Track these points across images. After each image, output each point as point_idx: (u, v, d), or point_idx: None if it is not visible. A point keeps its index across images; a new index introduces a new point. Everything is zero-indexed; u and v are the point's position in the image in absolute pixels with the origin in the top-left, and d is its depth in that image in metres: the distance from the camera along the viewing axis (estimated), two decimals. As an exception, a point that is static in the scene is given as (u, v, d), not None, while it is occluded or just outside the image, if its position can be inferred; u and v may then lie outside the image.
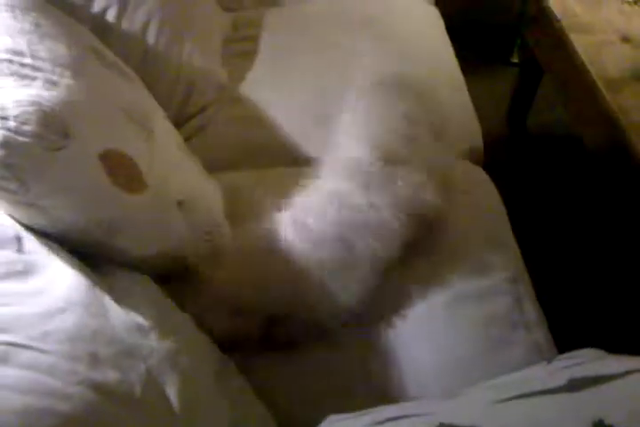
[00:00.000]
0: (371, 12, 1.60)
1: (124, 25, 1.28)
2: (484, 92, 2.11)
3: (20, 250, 0.80)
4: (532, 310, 1.07)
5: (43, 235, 0.85)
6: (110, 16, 1.27)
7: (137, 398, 0.72)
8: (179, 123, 1.35)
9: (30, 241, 0.83)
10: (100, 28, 1.24)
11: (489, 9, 2.23)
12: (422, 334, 1.02)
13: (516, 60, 2.27)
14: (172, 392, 0.77)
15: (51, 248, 0.84)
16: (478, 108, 1.48)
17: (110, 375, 0.71)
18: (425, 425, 0.53)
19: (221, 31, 1.59)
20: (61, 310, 0.74)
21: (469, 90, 1.51)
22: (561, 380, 0.55)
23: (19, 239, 0.82)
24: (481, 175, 1.30)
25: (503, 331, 1.02)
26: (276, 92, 1.43)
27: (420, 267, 1.09)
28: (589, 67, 1.41)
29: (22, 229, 0.84)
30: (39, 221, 0.84)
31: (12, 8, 0.95)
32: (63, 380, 0.66)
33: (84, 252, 0.89)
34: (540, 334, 1.04)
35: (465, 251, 1.13)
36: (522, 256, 1.18)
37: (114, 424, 0.68)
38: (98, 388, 0.69)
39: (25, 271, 0.78)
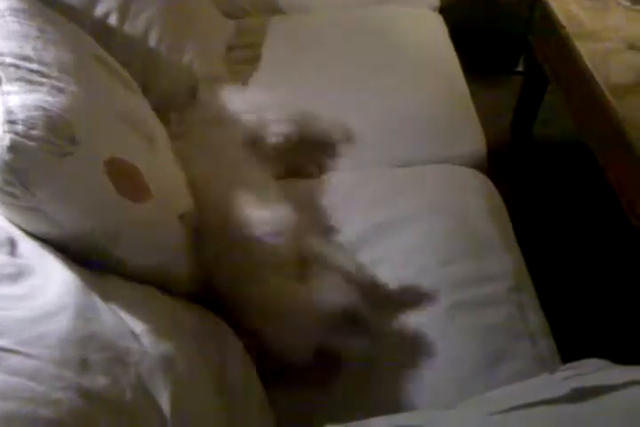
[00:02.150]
0: (373, 20, 1.60)
1: (126, 30, 1.28)
2: (489, 100, 2.10)
3: (12, 253, 0.79)
4: (535, 320, 1.05)
5: (41, 240, 0.84)
6: (112, 21, 1.27)
7: (126, 404, 0.71)
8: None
9: (24, 244, 0.81)
10: (102, 32, 1.25)
11: (495, 16, 2.23)
12: (420, 344, 1.00)
13: (521, 68, 2.26)
14: (163, 398, 0.75)
15: (46, 251, 0.82)
16: (483, 116, 1.47)
17: (99, 381, 0.70)
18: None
19: (224, 37, 1.58)
20: (52, 314, 0.73)
21: (474, 98, 1.50)
22: (562, 390, 0.53)
23: (12, 242, 0.80)
24: (483, 182, 1.29)
25: (505, 342, 1.00)
26: (277, 99, 1.42)
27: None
28: (595, 74, 1.39)
29: (18, 231, 0.83)
30: (40, 226, 0.83)
31: (16, 13, 0.94)
32: (49, 385, 0.65)
33: (81, 260, 0.88)
34: (545, 345, 1.02)
35: (466, 258, 1.11)
36: (526, 265, 1.16)
37: None
38: (86, 393, 0.67)
39: (16, 275, 0.76)
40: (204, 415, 0.83)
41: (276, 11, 1.75)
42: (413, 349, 1.00)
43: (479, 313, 1.04)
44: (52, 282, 0.78)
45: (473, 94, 1.51)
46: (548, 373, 0.70)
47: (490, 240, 1.15)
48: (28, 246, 0.81)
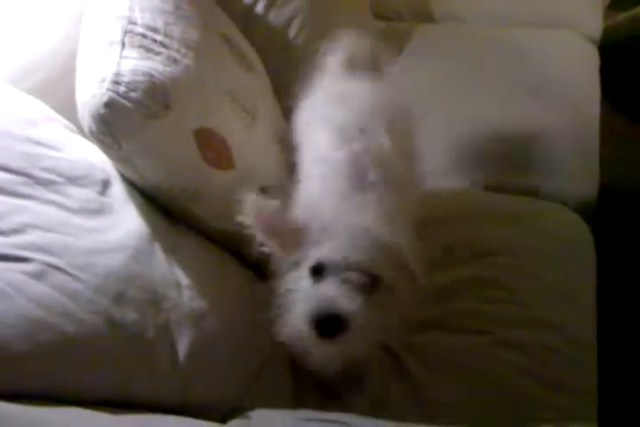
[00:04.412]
0: (520, 42, 1.56)
1: (270, 18, 1.36)
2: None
3: (102, 192, 0.90)
4: (580, 378, 1.01)
5: (136, 187, 0.94)
6: (259, 8, 1.35)
7: (145, 341, 0.80)
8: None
9: (117, 187, 0.92)
10: (247, 17, 1.33)
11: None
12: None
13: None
14: (182, 346, 0.83)
15: (134, 197, 0.93)
16: (620, 164, 1.38)
17: (128, 315, 0.79)
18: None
19: (367, 37, 1.62)
20: (111, 250, 0.84)
21: (618, 145, 1.42)
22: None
23: (106, 183, 0.92)
24: (578, 226, 1.22)
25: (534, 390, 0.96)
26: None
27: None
28: None
29: (117, 175, 0.93)
30: (130, 175, 0.94)
31: None
32: (80, 306, 0.75)
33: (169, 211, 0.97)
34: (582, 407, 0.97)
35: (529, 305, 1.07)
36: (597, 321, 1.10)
37: (112, 355, 0.77)
38: (111, 322, 0.77)
39: (97, 211, 0.88)
40: (222, 376, 0.89)
41: (430, 18, 1.76)
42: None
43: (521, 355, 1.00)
44: (124, 224, 0.88)
45: (618, 140, 1.43)
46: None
47: (560, 286, 1.10)
48: (119, 190, 0.92)
